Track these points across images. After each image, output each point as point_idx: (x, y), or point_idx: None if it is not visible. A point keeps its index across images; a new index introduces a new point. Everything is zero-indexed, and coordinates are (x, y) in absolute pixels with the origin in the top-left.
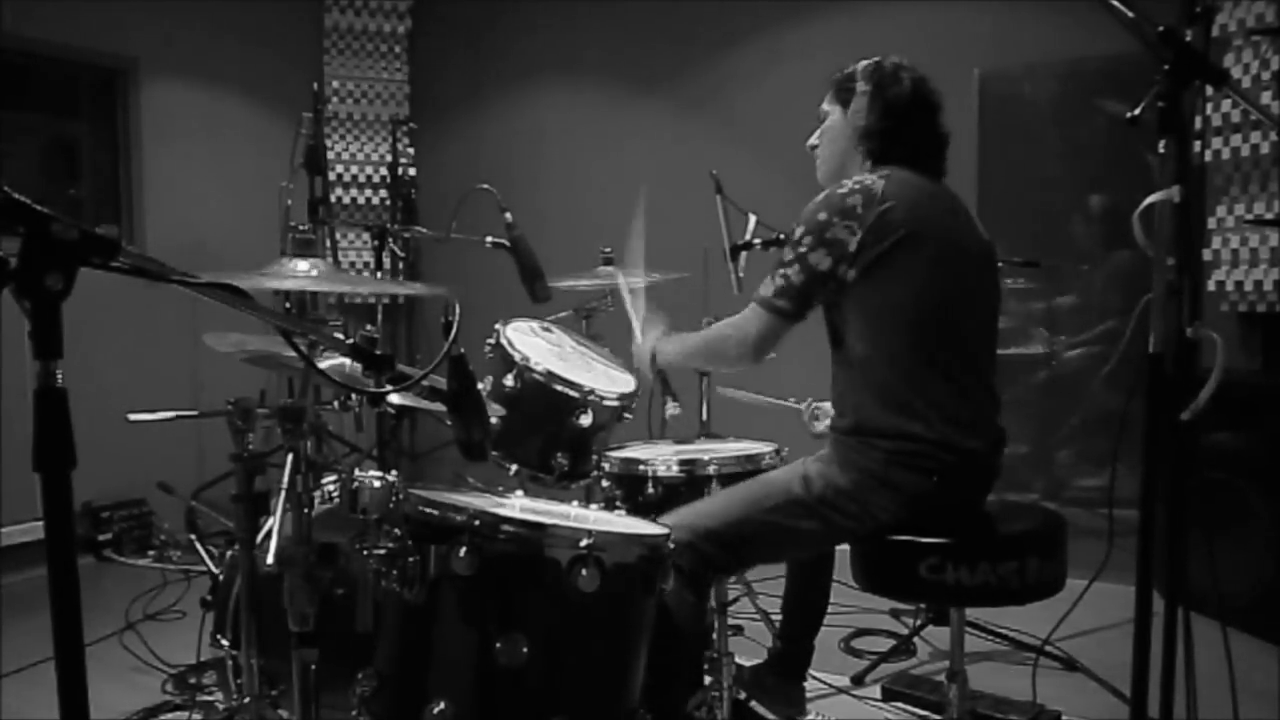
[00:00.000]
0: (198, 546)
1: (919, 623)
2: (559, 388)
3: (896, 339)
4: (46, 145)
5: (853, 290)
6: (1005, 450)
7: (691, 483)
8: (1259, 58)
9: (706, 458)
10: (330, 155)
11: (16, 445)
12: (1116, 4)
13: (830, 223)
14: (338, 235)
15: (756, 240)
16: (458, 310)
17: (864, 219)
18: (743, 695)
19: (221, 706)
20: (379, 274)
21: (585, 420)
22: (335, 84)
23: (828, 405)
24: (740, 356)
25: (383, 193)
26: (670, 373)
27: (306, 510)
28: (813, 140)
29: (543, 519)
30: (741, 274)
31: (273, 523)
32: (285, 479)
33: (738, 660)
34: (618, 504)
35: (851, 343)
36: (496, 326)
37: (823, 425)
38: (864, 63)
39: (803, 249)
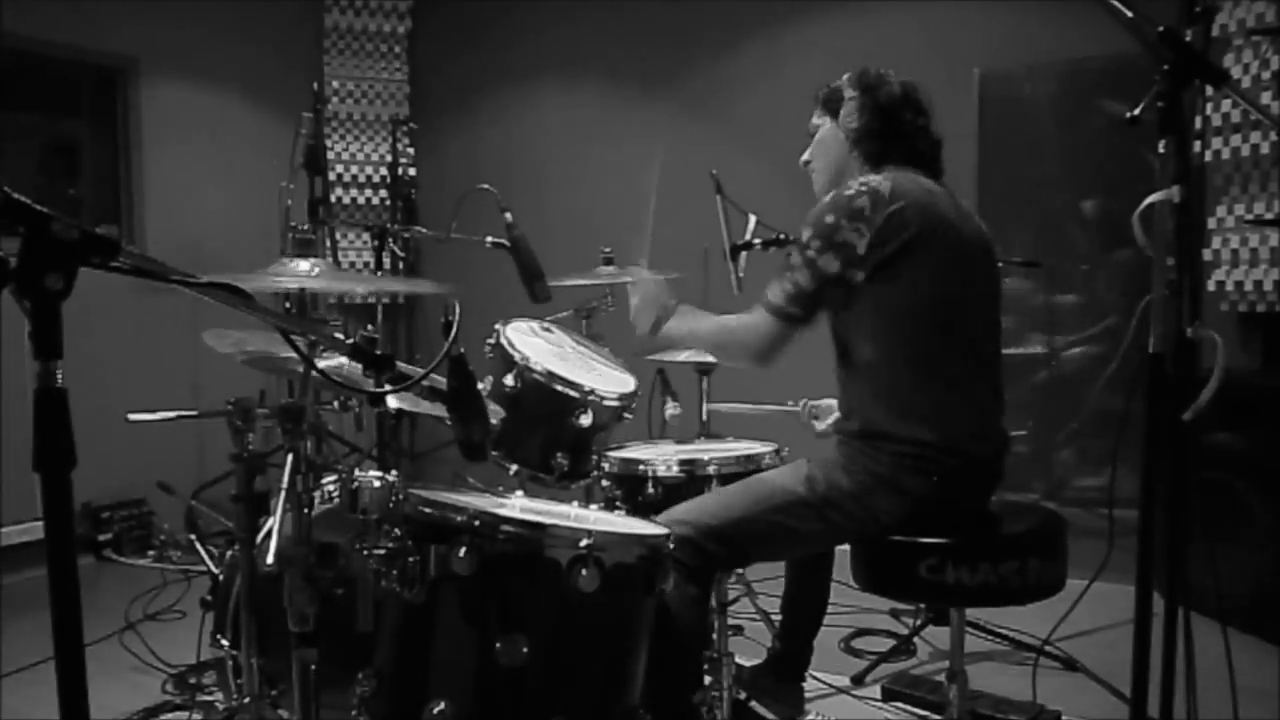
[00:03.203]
0: (198, 546)
1: (919, 623)
2: (559, 388)
3: (905, 342)
4: (46, 145)
5: (861, 294)
6: (1007, 453)
7: (691, 483)
8: (1259, 58)
9: (706, 458)
10: (330, 155)
11: (16, 445)
12: (1116, 4)
13: (838, 226)
14: (338, 235)
15: (756, 240)
16: (458, 310)
17: (872, 220)
18: (743, 695)
19: (221, 706)
20: (379, 274)
21: (585, 420)
22: (335, 84)
23: (825, 402)
24: (746, 359)
25: (383, 193)
26: (670, 373)
27: (306, 510)
28: (805, 156)
29: (543, 519)
30: (741, 274)
31: (273, 523)
32: (285, 479)
33: (738, 660)
34: (618, 504)
35: (859, 347)
36: (496, 326)
37: (825, 424)
38: (848, 75)
39: (810, 253)
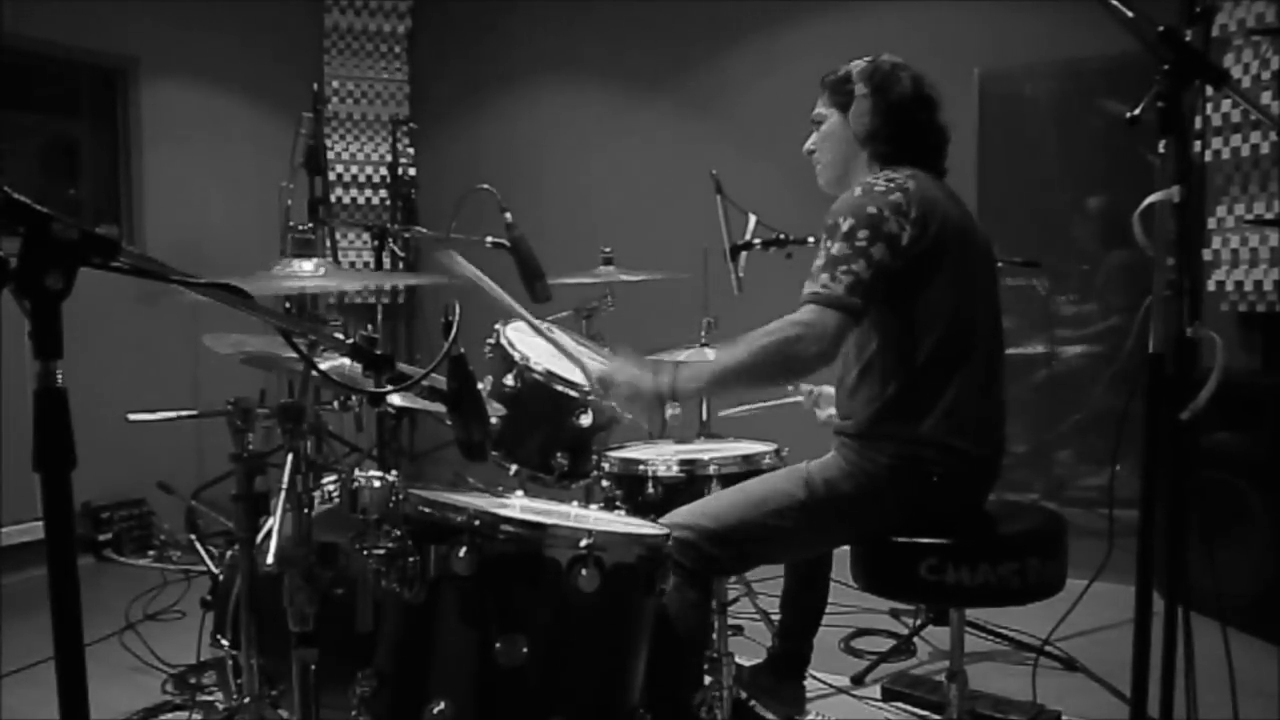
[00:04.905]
0: (198, 546)
1: (919, 623)
2: (559, 388)
3: (922, 342)
4: (46, 145)
5: (891, 289)
6: (1004, 453)
7: (691, 483)
8: (1259, 58)
9: (706, 458)
10: (330, 155)
11: (16, 445)
12: (1116, 4)
13: (883, 216)
14: (338, 235)
15: (756, 240)
16: (458, 310)
17: (909, 215)
18: (743, 695)
19: (221, 706)
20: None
21: (585, 420)
22: (335, 84)
23: (827, 389)
24: (819, 356)
25: (383, 193)
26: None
27: (306, 510)
28: (809, 145)
29: (543, 519)
30: (741, 274)
31: (273, 523)
32: (285, 479)
33: (738, 660)
34: (618, 504)
35: (867, 347)
36: (496, 326)
37: (827, 412)
38: (859, 63)
39: (861, 242)
